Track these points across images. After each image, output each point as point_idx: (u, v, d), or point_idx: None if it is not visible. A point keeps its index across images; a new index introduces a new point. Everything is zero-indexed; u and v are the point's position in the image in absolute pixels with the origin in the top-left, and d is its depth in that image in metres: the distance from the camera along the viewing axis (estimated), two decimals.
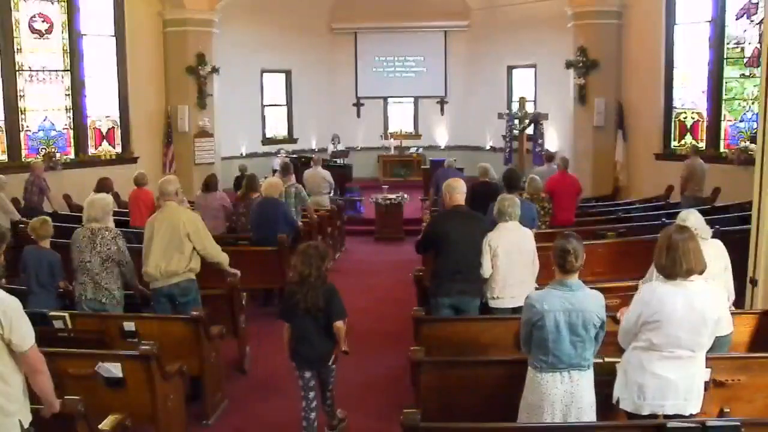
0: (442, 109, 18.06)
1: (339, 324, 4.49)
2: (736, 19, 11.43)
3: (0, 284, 4.37)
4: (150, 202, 8.52)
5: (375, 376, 6.10)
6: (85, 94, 12.67)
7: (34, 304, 5.26)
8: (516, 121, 13.18)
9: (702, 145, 12.00)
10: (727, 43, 11.60)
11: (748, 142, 10.92)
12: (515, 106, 14.50)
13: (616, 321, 4.06)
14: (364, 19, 17.17)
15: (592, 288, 3.73)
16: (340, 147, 16.36)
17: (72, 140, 12.60)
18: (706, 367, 3.66)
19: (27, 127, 11.96)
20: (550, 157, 10.79)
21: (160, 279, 5.44)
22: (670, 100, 12.67)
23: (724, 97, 11.77)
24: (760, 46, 7.24)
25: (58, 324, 4.92)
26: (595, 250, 7.16)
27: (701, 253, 3.50)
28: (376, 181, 16.15)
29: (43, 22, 12.02)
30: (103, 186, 8.37)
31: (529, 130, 13.03)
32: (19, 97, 11.75)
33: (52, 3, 12.16)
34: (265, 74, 16.79)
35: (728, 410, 4.00)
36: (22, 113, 11.85)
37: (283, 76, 17.18)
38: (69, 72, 12.41)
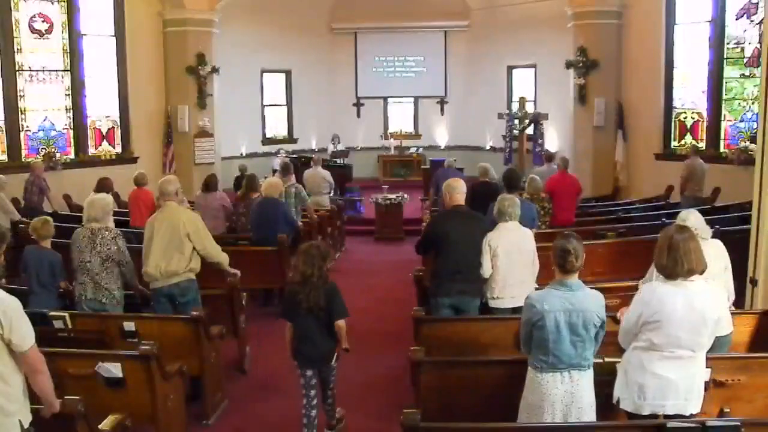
0: (442, 109, 18.07)
1: (340, 323, 4.54)
2: (736, 19, 11.43)
3: (0, 284, 4.38)
4: (150, 202, 8.52)
5: (375, 376, 6.10)
6: (85, 94, 12.68)
7: (34, 304, 5.26)
8: (516, 121, 13.18)
9: (702, 145, 12.00)
10: (727, 43, 11.60)
11: (748, 142, 10.92)
12: (515, 106, 14.50)
13: (616, 321, 4.06)
14: (364, 19, 17.17)
15: (592, 288, 3.73)
16: (340, 147, 16.37)
17: (72, 140, 12.60)
18: (707, 367, 3.66)
19: (27, 127, 11.96)
20: (549, 157, 10.79)
21: (160, 279, 5.44)
22: (670, 100, 12.67)
23: (724, 97, 11.77)
24: (760, 46, 7.24)
25: (58, 324, 4.92)
26: (595, 250, 7.16)
27: (702, 252, 3.50)
28: (376, 181, 16.16)
29: (43, 22, 12.03)
30: (103, 186, 8.37)
31: (529, 130, 13.03)
32: (19, 97, 11.75)
33: (52, 3, 12.16)
34: (265, 74, 16.79)
35: (728, 410, 4.00)
36: (22, 113, 11.85)
37: (283, 76, 17.18)
38: (69, 72, 12.41)
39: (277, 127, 17.23)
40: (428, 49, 17.87)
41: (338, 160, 15.53)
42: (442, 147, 17.67)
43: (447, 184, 5.48)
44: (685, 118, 12.57)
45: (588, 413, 3.64)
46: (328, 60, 17.63)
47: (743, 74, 11.51)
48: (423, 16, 17.13)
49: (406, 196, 12.02)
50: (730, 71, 11.67)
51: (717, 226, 6.54)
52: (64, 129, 12.51)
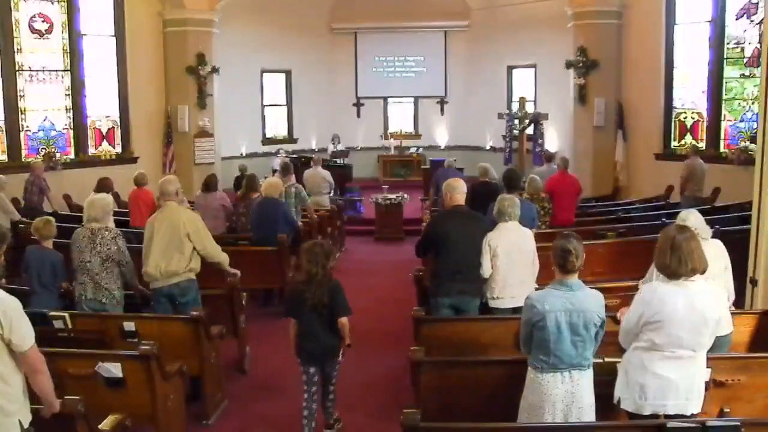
0: (442, 109, 18.06)
1: (344, 320, 4.61)
2: (736, 19, 11.43)
3: (0, 284, 4.38)
4: (150, 202, 8.52)
5: (375, 376, 6.10)
6: (85, 94, 12.68)
7: (36, 304, 5.27)
8: (516, 121, 13.18)
9: (702, 145, 12.00)
10: (727, 43, 11.60)
11: (748, 142, 10.92)
12: (515, 106, 14.50)
13: (616, 321, 4.06)
14: (364, 19, 17.17)
15: (592, 288, 3.74)
16: (340, 147, 16.36)
17: (72, 140, 12.60)
18: (707, 367, 3.66)
19: (27, 127, 11.97)
20: (549, 157, 10.79)
21: (160, 279, 5.44)
22: (670, 100, 12.67)
23: (724, 97, 11.77)
24: (760, 46, 7.24)
25: (58, 324, 4.92)
26: (595, 250, 7.16)
27: (703, 252, 3.51)
28: (376, 181, 16.15)
29: (43, 22, 12.03)
30: (103, 186, 8.37)
31: (529, 130, 13.04)
32: (19, 97, 11.75)
33: (52, 3, 12.16)
34: (265, 74, 16.79)
35: (728, 410, 4.00)
36: (22, 113, 11.86)
37: (283, 76, 17.18)
38: (69, 72, 12.41)
39: (277, 127, 17.23)
40: (428, 49, 17.86)
41: (338, 160, 15.52)
42: (442, 147, 17.67)
43: (447, 184, 5.48)
44: (685, 118, 12.57)
45: (588, 413, 3.64)
46: (328, 60, 17.63)
47: (743, 74, 11.51)
48: (423, 16, 17.13)
49: (406, 196, 12.02)
50: (730, 71, 11.67)
51: (717, 226, 6.54)
52: (64, 129, 12.51)
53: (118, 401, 4.28)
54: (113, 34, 13.00)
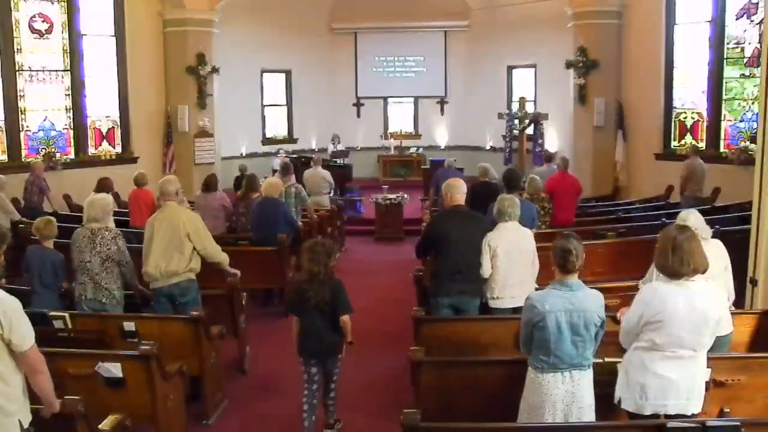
0: (442, 109, 18.06)
1: (345, 318, 4.67)
2: (736, 19, 11.43)
3: (0, 284, 4.38)
4: (150, 202, 8.52)
5: (375, 376, 6.10)
6: (85, 94, 12.68)
7: (37, 304, 5.27)
8: (516, 121, 13.18)
9: (702, 145, 12.00)
10: (727, 43, 11.60)
11: (748, 142, 10.92)
12: (515, 106, 14.51)
13: (616, 321, 4.06)
14: (364, 19, 17.17)
15: (592, 288, 3.74)
16: (340, 147, 16.36)
17: (72, 140, 12.60)
18: (707, 367, 3.66)
19: (27, 127, 11.96)
20: (549, 157, 10.79)
21: (160, 279, 5.44)
22: (670, 100, 12.67)
23: (724, 97, 11.77)
24: (760, 46, 7.24)
25: (58, 324, 4.92)
26: (595, 250, 7.16)
27: (703, 251, 3.51)
28: (376, 181, 16.15)
29: (43, 22, 12.03)
30: (103, 186, 8.37)
31: (529, 130, 13.04)
32: (19, 97, 11.75)
33: (52, 3, 12.16)
34: (265, 74, 16.79)
35: (728, 410, 4.00)
36: (22, 113, 11.85)
37: (283, 76, 17.18)
38: (69, 72, 12.41)
39: (277, 127, 17.23)
40: (428, 49, 17.86)
41: (338, 160, 15.52)
42: (442, 147, 17.67)
43: (447, 184, 5.48)
44: (685, 118, 12.57)
45: (588, 413, 3.64)
46: (328, 60, 17.63)
47: (743, 74, 11.51)
48: (423, 16, 17.13)
49: (406, 196, 12.01)
50: (730, 71, 11.67)
51: (717, 226, 6.54)
52: (64, 129, 12.51)
53: (118, 401, 4.28)
54: (113, 34, 13.00)
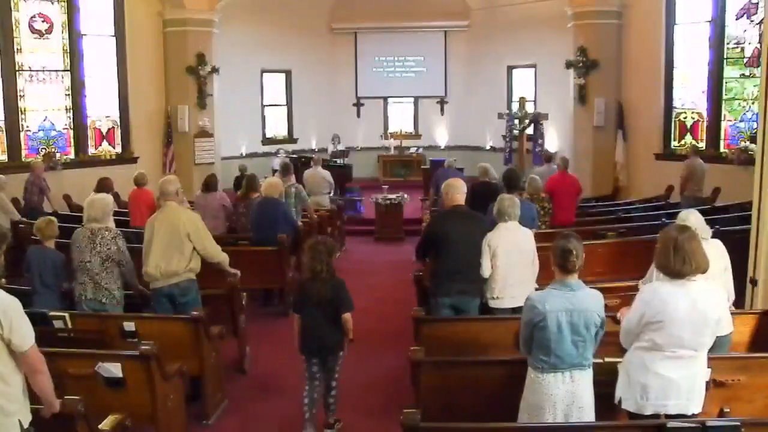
0: (442, 109, 18.06)
1: (347, 315, 4.73)
2: (736, 19, 11.43)
3: (0, 284, 4.37)
4: (150, 202, 8.52)
5: (375, 376, 6.10)
6: (85, 94, 12.68)
7: (38, 304, 5.27)
8: (516, 121, 13.18)
9: (702, 145, 12.00)
10: (727, 43, 11.60)
11: (748, 142, 10.91)
12: (515, 106, 14.51)
13: (616, 321, 4.06)
14: (364, 19, 17.17)
15: (592, 288, 3.74)
16: (340, 147, 16.35)
17: (72, 140, 12.60)
18: (707, 367, 3.66)
19: (27, 127, 11.96)
20: (549, 157, 10.80)
21: (160, 279, 5.43)
22: (670, 100, 12.67)
23: (724, 97, 11.77)
24: (760, 46, 7.24)
25: (58, 324, 4.92)
26: (595, 250, 7.16)
27: (704, 251, 3.51)
28: (376, 181, 16.15)
29: (43, 22, 12.02)
30: (103, 186, 8.37)
31: (529, 130, 13.04)
32: (19, 97, 11.74)
33: (52, 3, 12.16)
34: (265, 74, 16.78)
35: (728, 410, 4.00)
36: (22, 113, 11.85)
37: (283, 76, 17.18)
38: (69, 72, 12.41)
39: (277, 127, 17.23)
40: (428, 49, 17.86)
41: (338, 160, 15.51)
42: (442, 147, 17.66)
43: (447, 184, 5.48)
44: (685, 118, 12.57)
45: (588, 413, 3.64)
46: (328, 60, 17.63)
47: (743, 74, 11.52)
48: (423, 16, 17.13)
49: (406, 196, 12.01)
50: (730, 71, 11.67)
51: (717, 226, 6.54)
52: (64, 129, 12.51)
53: (118, 401, 4.28)
54: (113, 34, 13.00)
